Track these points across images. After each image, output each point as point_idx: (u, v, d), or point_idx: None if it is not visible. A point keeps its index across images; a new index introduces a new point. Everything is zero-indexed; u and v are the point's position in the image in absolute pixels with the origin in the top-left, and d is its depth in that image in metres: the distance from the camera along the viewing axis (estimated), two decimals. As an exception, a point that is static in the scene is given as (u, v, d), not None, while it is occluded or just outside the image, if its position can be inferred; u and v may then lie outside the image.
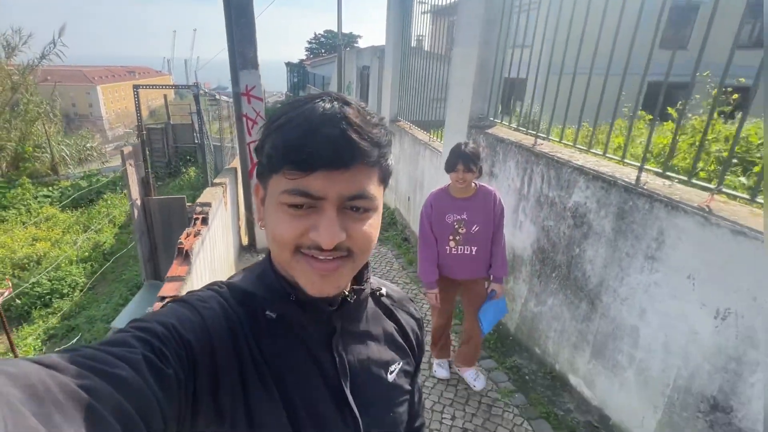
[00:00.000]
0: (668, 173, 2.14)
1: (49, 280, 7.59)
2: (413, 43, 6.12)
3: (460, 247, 2.44)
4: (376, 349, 0.67)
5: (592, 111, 2.56)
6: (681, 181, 2.08)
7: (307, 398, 0.57)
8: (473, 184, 2.40)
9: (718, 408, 1.75)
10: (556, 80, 2.82)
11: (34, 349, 6.25)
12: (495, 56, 3.44)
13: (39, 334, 6.55)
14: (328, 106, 0.50)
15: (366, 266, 0.66)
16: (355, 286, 0.63)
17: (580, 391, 2.57)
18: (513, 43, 3.29)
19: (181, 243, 2.59)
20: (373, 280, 0.70)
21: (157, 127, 13.93)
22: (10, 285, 7.60)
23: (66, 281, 7.68)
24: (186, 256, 2.52)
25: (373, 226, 0.55)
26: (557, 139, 2.96)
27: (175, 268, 2.42)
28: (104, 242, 9.21)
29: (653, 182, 2.13)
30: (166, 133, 13.77)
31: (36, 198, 12.07)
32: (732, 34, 1.75)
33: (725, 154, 2.44)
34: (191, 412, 0.47)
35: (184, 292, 2.39)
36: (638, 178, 2.17)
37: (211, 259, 3.27)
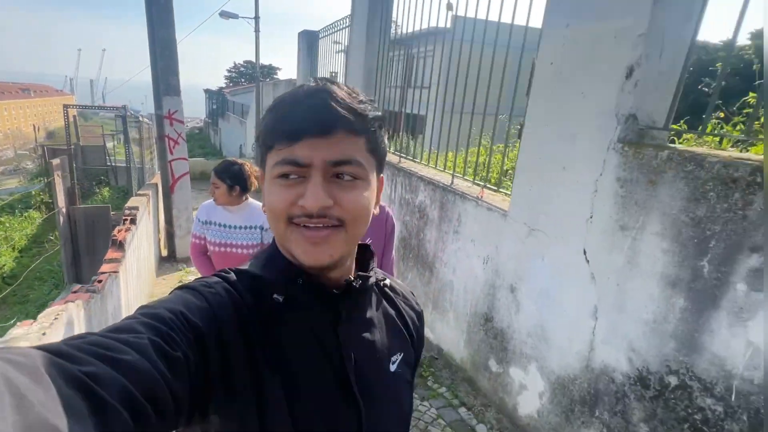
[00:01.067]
0: (467, 178, 3.27)
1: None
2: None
3: None
4: (380, 338, 0.67)
5: (458, 141, 3.69)
6: (476, 183, 3.22)
7: (311, 383, 0.58)
8: None
9: (488, 319, 2.82)
10: (440, 117, 3.77)
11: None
12: (374, 96, 4.53)
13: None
14: (313, 84, 0.55)
15: (371, 255, 0.69)
16: (360, 273, 0.65)
17: (427, 336, 3.57)
18: (414, 84, 4.39)
19: (114, 235, 3.23)
20: (378, 271, 0.72)
21: (63, 149, 13.47)
22: None
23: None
24: (120, 245, 3.16)
25: (362, 195, 0.57)
26: (419, 160, 4.06)
27: (111, 254, 3.06)
28: (3, 265, 8.86)
29: (461, 184, 3.24)
30: (75, 154, 13.37)
31: None
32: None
33: (498, 167, 3.68)
34: (203, 396, 0.48)
35: (120, 272, 3.02)
36: (452, 182, 3.27)
37: (137, 257, 3.86)
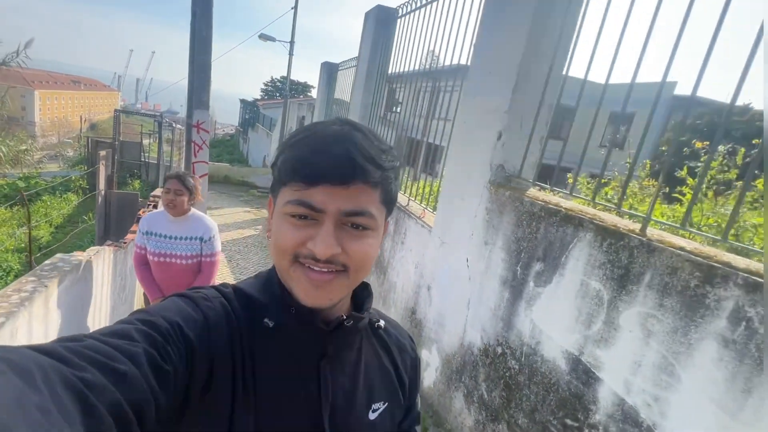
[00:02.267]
0: (417, 201, 4.07)
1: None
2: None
3: None
4: (363, 383, 0.66)
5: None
6: (421, 206, 4.00)
7: (285, 418, 0.57)
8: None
9: (413, 312, 3.57)
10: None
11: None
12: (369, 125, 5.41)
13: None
14: (338, 128, 0.56)
15: (369, 295, 0.70)
16: (354, 313, 0.65)
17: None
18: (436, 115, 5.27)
19: (139, 215, 4.14)
20: (374, 311, 0.73)
21: (107, 141, 14.88)
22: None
23: (2, 266, 8.47)
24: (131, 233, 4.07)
25: (370, 245, 0.58)
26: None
27: (135, 227, 3.96)
28: (41, 237, 10.01)
29: (413, 206, 4.04)
30: (114, 148, 14.75)
31: (-32, 192, 12.46)
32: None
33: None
34: (181, 409, 0.49)
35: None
36: (407, 203, 4.07)
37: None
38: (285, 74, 15.06)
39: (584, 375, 1.85)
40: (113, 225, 5.86)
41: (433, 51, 4.12)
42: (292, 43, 14.93)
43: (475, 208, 2.75)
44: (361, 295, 0.69)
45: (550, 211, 2.12)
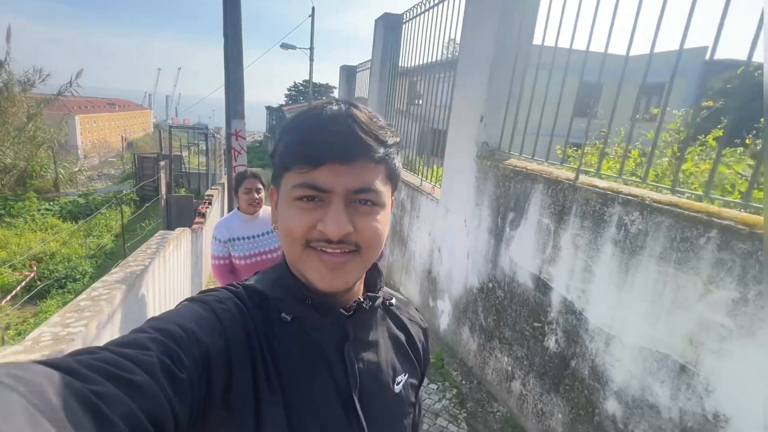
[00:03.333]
0: (429, 180, 4.77)
1: (64, 268, 9.64)
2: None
3: None
4: (385, 358, 0.68)
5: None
6: (436, 183, 4.69)
7: (316, 403, 0.58)
8: None
9: (429, 272, 4.28)
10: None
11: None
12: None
13: (59, 305, 8.56)
14: (335, 107, 0.55)
15: (379, 275, 0.70)
16: (369, 293, 0.65)
17: (403, 292, 5.05)
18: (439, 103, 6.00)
19: (200, 210, 5.03)
20: (385, 290, 0.73)
21: (150, 157, 16.27)
22: (35, 269, 9.65)
23: (78, 269, 9.74)
24: (202, 215, 4.96)
25: (380, 221, 0.58)
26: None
27: (197, 219, 4.85)
28: (106, 244, 11.31)
29: (426, 185, 4.74)
30: (159, 161, 16.14)
31: (39, 210, 14.04)
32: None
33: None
34: (202, 413, 0.49)
35: (203, 229, 4.79)
36: (421, 184, 4.77)
37: (209, 226, 5.66)
38: (307, 78, 15.92)
39: (543, 287, 2.53)
40: (174, 221, 6.86)
41: (453, 40, 4.80)
42: (311, 49, 15.81)
43: (468, 178, 3.43)
44: (372, 275, 0.70)
45: (516, 172, 2.79)
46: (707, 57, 2.05)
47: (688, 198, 1.83)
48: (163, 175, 6.70)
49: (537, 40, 2.94)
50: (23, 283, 8.65)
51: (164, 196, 6.81)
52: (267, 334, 0.57)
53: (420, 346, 0.77)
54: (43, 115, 16.28)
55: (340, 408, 0.60)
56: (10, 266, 9.64)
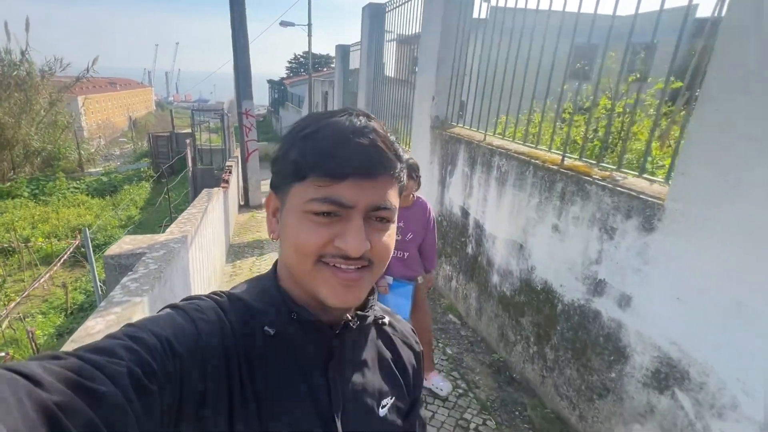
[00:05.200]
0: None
1: (103, 237, 11.07)
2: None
3: (395, 251, 2.60)
4: (371, 380, 0.66)
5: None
6: (407, 147, 5.87)
7: (294, 424, 0.56)
8: (412, 196, 2.61)
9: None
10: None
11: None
12: (372, 94, 7.27)
13: (102, 267, 10.04)
14: (355, 119, 0.53)
15: (372, 291, 0.66)
16: (359, 312, 0.63)
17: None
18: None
19: (223, 177, 6.29)
20: (378, 307, 0.71)
21: (164, 135, 17.47)
22: (79, 238, 11.10)
23: (114, 237, 11.16)
24: (226, 181, 6.22)
25: (391, 237, 0.57)
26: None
27: (223, 184, 6.12)
28: (135, 215, 12.72)
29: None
30: (171, 140, 17.34)
31: (68, 189, 15.44)
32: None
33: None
34: (173, 427, 0.47)
35: (228, 191, 6.06)
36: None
37: (230, 194, 6.92)
38: (306, 49, 16.84)
39: (465, 214, 3.78)
40: (199, 189, 8.15)
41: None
42: (309, 25, 16.67)
43: (425, 143, 4.63)
44: None
45: (452, 137, 4.00)
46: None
47: (541, 150, 3.04)
48: (189, 151, 7.96)
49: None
50: (70, 250, 10.08)
51: (191, 169, 8.07)
52: (248, 349, 0.55)
53: (410, 369, 0.74)
54: (63, 101, 17.46)
55: (321, 430, 0.58)
56: (55, 237, 11.11)
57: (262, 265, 5.49)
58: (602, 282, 2.27)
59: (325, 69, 28.78)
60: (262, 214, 8.17)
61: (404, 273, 2.68)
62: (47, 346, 7.11)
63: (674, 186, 1.87)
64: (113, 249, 2.50)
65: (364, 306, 0.65)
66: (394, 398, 0.69)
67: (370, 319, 0.64)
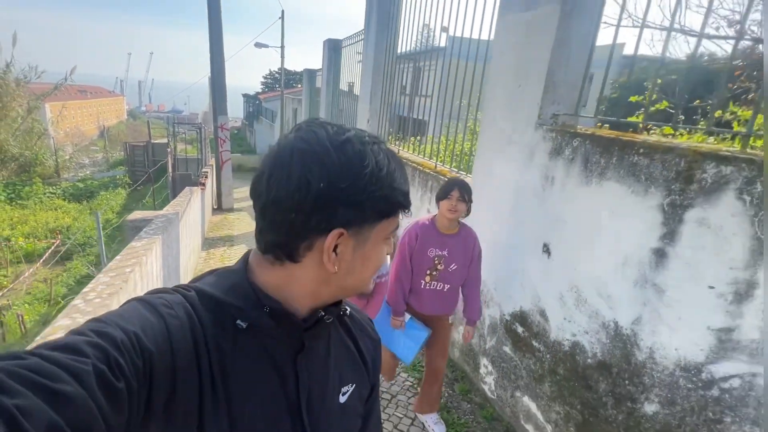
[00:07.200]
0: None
1: (82, 237, 11.86)
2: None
3: (434, 282, 2.44)
4: (333, 368, 0.69)
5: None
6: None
7: (263, 416, 0.58)
8: (458, 222, 2.42)
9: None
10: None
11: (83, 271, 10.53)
12: (380, 100, 8.55)
13: (83, 265, 10.83)
14: (384, 148, 0.60)
15: None
16: (331, 308, 0.66)
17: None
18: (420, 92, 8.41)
19: (200, 181, 7.41)
20: (344, 302, 0.73)
21: (141, 145, 18.27)
22: (59, 237, 11.88)
23: (93, 238, 11.95)
24: (203, 185, 7.34)
25: None
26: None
27: (200, 187, 7.24)
28: (113, 220, 13.53)
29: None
30: (147, 150, 18.17)
31: (44, 194, 16.04)
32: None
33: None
34: (142, 424, 0.47)
35: (206, 192, 7.16)
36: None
37: (205, 196, 7.99)
38: (281, 66, 18.07)
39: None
40: (179, 192, 9.19)
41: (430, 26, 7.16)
42: (282, 47, 17.96)
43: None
44: None
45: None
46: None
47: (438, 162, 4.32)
48: (169, 158, 9.01)
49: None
50: (52, 248, 10.84)
51: (171, 174, 9.06)
52: (218, 342, 0.55)
53: (369, 358, 0.77)
54: (40, 108, 18.06)
55: (289, 422, 0.60)
56: (35, 237, 11.83)
57: (233, 253, 6.60)
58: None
59: (299, 85, 29.62)
60: (233, 216, 9.27)
61: (439, 308, 2.50)
62: (33, 332, 7.94)
63: (474, 174, 3.19)
64: (130, 217, 3.65)
65: (337, 301, 0.67)
66: (354, 385, 0.72)
67: (337, 313, 0.69)
